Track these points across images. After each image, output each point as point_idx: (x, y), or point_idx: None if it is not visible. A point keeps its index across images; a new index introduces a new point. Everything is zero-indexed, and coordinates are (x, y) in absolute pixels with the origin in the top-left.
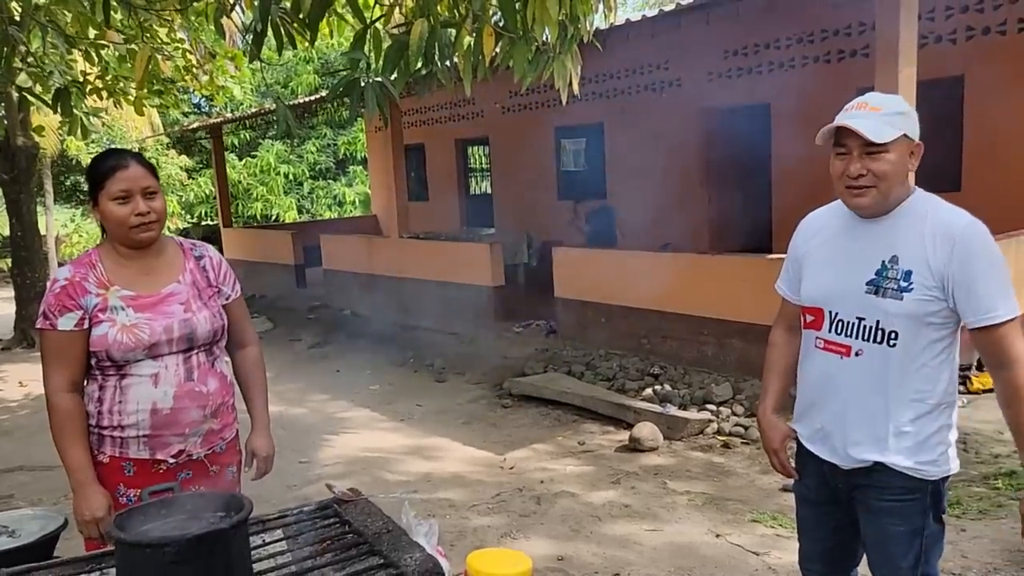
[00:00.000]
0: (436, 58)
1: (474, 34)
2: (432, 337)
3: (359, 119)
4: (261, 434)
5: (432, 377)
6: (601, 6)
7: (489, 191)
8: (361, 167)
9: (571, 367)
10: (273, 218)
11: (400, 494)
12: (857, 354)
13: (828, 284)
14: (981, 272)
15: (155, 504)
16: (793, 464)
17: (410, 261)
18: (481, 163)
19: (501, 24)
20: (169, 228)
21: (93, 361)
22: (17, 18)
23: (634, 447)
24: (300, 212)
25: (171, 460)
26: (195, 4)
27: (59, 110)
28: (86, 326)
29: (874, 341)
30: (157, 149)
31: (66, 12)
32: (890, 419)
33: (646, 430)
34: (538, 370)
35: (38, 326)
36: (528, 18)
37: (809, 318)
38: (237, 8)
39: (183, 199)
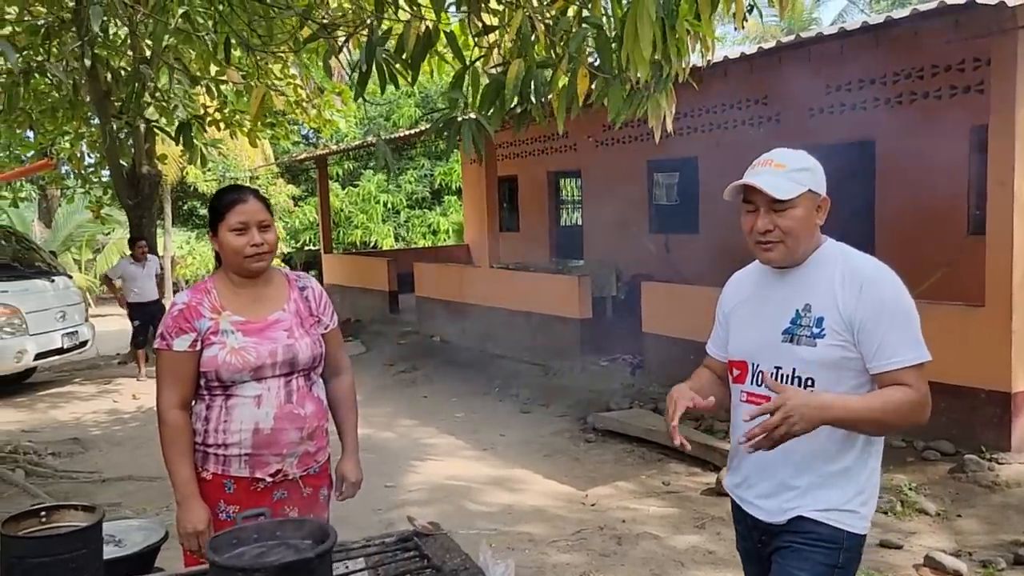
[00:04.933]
0: (531, 96)
1: (569, 74)
2: (518, 367)
3: (456, 151)
4: (351, 460)
5: (516, 407)
6: (698, 45)
7: (579, 223)
8: (456, 197)
9: (657, 404)
10: (371, 245)
11: (480, 531)
12: None
13: (751, 337)
14: (887, 317)
15: (247, 528)
16: (733, 520)
17: (499, 291)
18: (573, 195)
19: (596, 64)
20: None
21: (202, 382)
22: (147, 56)
23: (721, 491)
24: (396, 240)
25: (268, 479)
26: (307, 44)
27: (181, 141)
28: (198, 347)
29: None
30: (267, 178)
31: (191, 51)
32: (809, 469)
33: None
34: (623, 405)
35: (155, 346)
36: (623, 58)
37: (736, 372)
38: (345, 47)
39: (288, 225)
